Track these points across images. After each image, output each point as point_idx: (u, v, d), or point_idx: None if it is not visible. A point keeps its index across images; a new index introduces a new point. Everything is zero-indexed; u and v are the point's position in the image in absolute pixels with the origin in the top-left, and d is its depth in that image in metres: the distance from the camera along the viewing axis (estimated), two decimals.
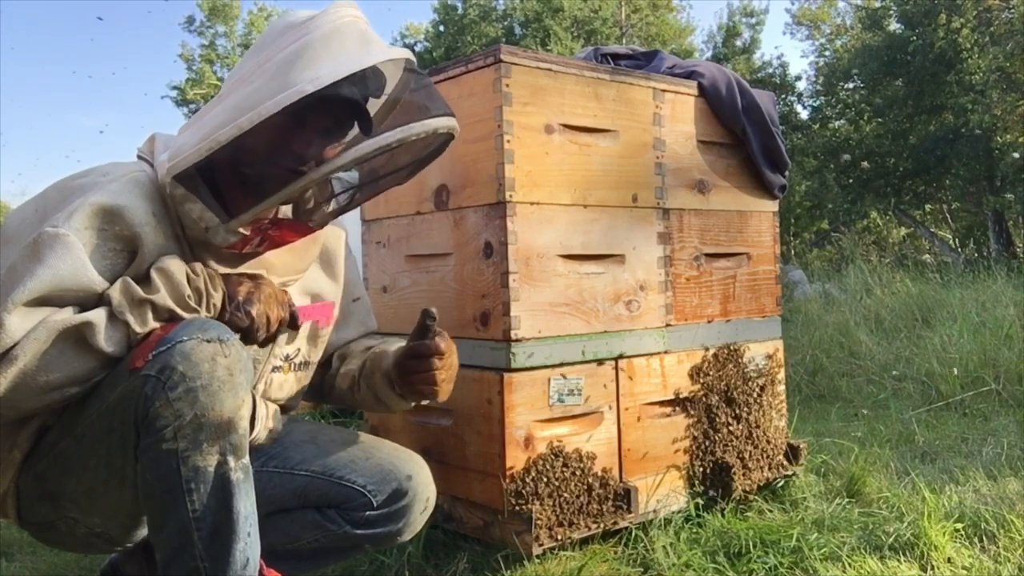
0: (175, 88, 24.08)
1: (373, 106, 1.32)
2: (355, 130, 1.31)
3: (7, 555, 2.06)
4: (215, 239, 1.26)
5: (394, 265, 2.08)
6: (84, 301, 1.18)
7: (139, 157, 1.36)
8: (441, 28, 21.16)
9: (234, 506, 1.17)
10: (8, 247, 1.21)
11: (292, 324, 1.37)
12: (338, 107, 1.24)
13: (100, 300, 1.19)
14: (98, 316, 1.16)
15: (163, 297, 1.20)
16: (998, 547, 1.87)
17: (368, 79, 1.25)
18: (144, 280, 1.22)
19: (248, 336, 1.28)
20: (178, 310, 1.21)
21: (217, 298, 1.27)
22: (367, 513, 1.44)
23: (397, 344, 1.52)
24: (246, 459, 1.20)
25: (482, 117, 1.80)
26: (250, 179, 1.25)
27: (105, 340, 1.16)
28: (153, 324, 1.20)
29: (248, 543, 1.19)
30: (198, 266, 1.27)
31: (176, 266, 1.23)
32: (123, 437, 1.17)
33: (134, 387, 1.14)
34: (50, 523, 1.32)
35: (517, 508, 1.73)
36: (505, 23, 20.63)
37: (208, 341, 1.15)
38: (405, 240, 2.04)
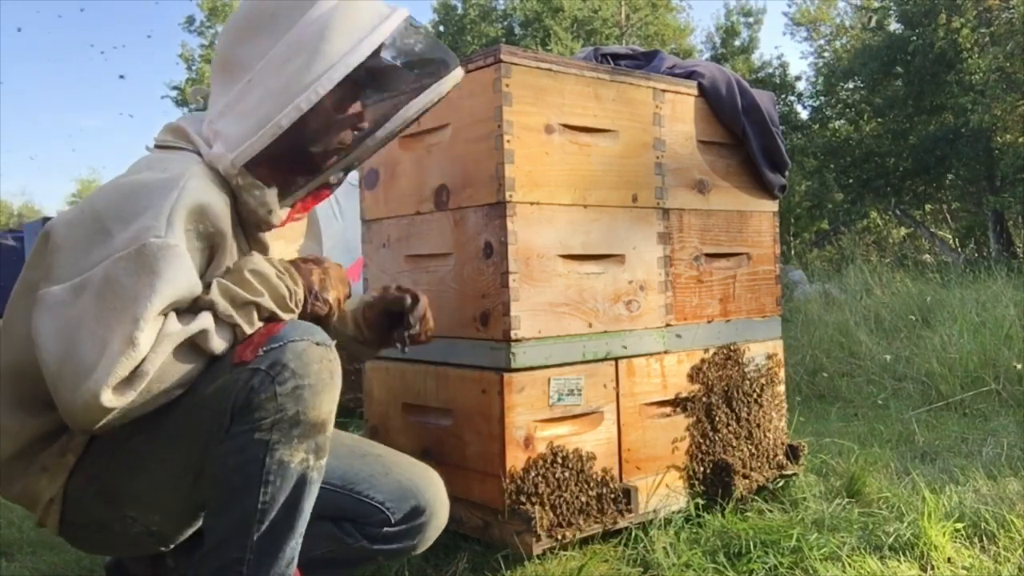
0: (175, 88, 24.08)
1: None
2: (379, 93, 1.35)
3: (7, 555, 2.06)
4: (273, 220, 1.30)
5: (394, 265, 2.08)
6: (186, 304, 1.20)
7: (173, 147, 1.32)
8: (441, 28, 21.16)
9: (301, 504, 1.20)
10: (62, 254, 1.18)
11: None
12: (374, 73, 1.28)
13: (196, 302, 1.20)
14: (208, 322, 1.18)
15: (267, 300, 1.24)
16: (998, 547, 1.87)
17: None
18: (224, 276, 1.25)
19: (324, 321, 1.33)
20: (279, 312, 1.26)
21: (300, 294, 1.30)
22: (385, 529, 1.44)
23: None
24: (324, 461, 1.22)
25: (482, 117, 1.80)
26: (310, 155, 1.29)
27: (216, 344, 1.19)
28: (258, 324, 1.23)
29: (298, 542, 1.22)
30: (277, 261, 1.30)
31: (267, 267, 1.26)
32: (214, 425, 1.18)
33: (238, 379, 1.16)
34: (102, 524, 1.30)
35: (517, 508, 1.74)
36: (505, 23, 20.65)
37: (317, 344, 1.20)
38: (405, 240, 2.04)
